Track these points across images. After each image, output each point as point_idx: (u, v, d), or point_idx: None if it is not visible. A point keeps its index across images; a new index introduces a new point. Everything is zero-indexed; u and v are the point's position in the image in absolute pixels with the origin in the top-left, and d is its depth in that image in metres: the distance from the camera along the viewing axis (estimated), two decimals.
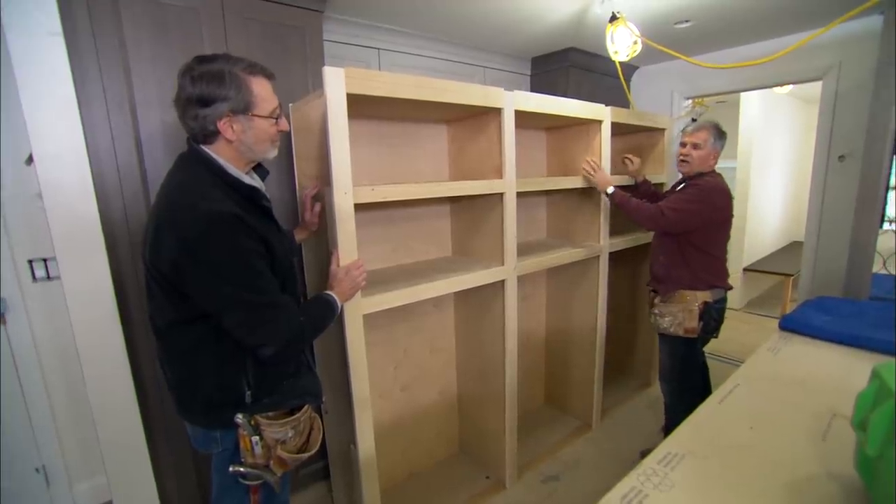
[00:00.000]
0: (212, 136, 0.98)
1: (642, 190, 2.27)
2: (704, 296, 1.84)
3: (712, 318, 1.86)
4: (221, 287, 0.92)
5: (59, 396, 1.75)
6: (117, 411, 1.46)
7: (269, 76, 1.02)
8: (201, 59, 0.96)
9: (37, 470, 1.73)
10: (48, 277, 1.69)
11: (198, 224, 0.89)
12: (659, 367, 2.08)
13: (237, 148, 1.00)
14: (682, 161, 1.88)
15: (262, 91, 1.00)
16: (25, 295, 1.66)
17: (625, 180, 2.29)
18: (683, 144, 1.87)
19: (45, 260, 1.67)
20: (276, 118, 1.03)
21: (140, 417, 1.50)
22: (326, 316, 1.14)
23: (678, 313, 1.87)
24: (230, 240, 0.91)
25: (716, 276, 1.86)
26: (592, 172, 2.01)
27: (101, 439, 1.44)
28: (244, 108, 0.97)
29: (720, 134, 1.85)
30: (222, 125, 0.96)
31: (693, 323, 1.84)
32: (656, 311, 1.94)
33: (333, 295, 1.17)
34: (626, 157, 2.29)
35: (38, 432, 1.71)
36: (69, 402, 1.76)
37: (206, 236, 0.89)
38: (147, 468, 1.53)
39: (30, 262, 1.66)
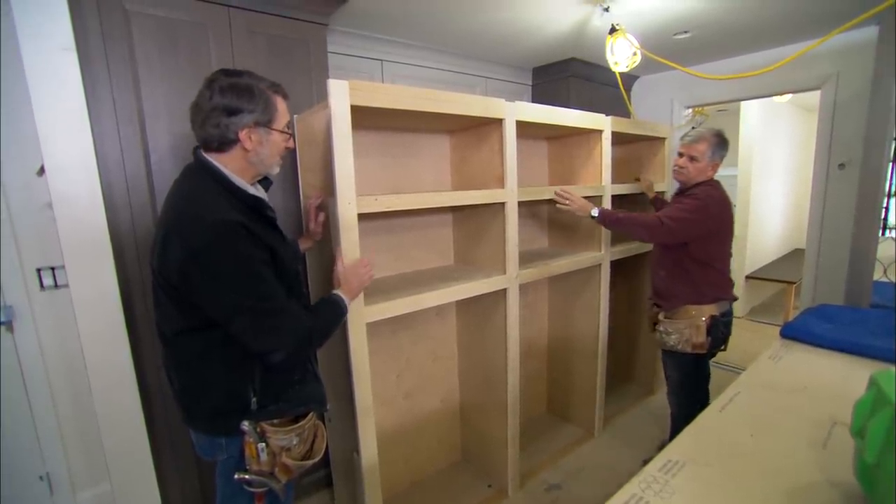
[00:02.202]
0: (228, 144, 1.01)
1: (658, 207, 2.23)
2: (710, 309, 1.78)
3: (720, 331, 1.81)
4: (227, 294, 0.93)
5: (65, 404, 1.76)
6: (122, 419, 1.47)
7: (286, 97, 1.08)
8: (228, 73, 1.01)
9: (40, 478, 1.73)
10: (56, 286, 1.71)
11: (204, 233, 0.91)
12: (666, 382, 2.04)
13: (249, 159, 1.03)
14: (678, 172, 1.84)
15: (282, 108, 1.06)
16: (33, 303, 1.68)
17: (628, 188, 2.31)
18: (680, 154, 1.82)
19: (52, 268, 1.70)
20: (289, 134, 1.09)
21: (145, 426, 1.51)
22: (335, 315, 1.15)
23: (684, 329, 1.80)
24: (235, 248, 0.93)
25: (720, 289, 1.81)
26: (567, 202, 1.89)
27: (105, 447, 1.45)
28: (267, 122, 1.02)
29: (721, 144, 1.78)
30: (243, 135, 1.00)
31: (701, 338, 1.78)
32: (661, 327, 1.87)
33: (340, 294, 1.19)
34: (639, 178, 2.36)
35: (43, 439, 1.72)
36: (74, 410, 1.77)
37: (212, 245, 0.91)
38: (151, 476, 1.54)
39: (38, 270, 1.68)
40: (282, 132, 1.06)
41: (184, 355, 1.03)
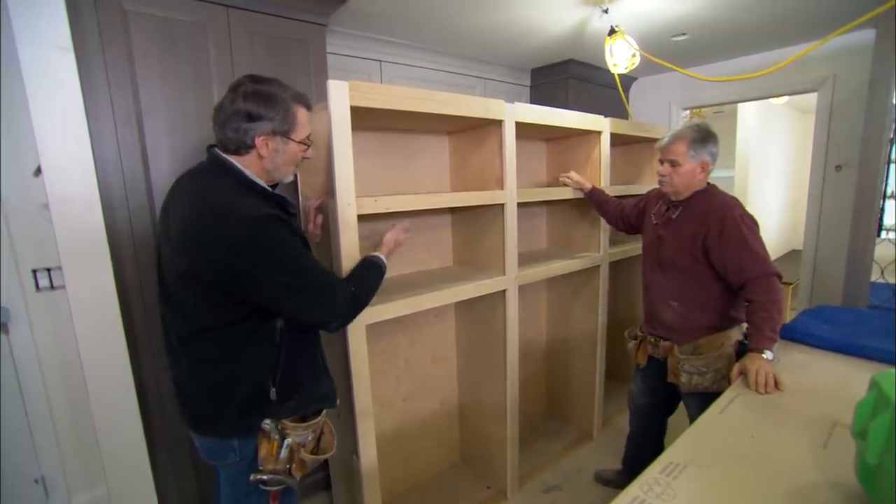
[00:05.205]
0: (245, 149, 1.02)
1: (596, 199, 2.02)
2: (736, 334, 1.53)
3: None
4: (280, 278, 0.96)
5: (61, 406, 1.74)
6: (119, 422, 1.45)
7: (309, 107, 1.10)
8: (255, 79, 1.02)
9: (36, 481, 1.71)
10: (52, 287, 1.69)
11: (246, 225, 0.93)
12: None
13: (264, 165, 1.05)
14: (661, 182, 1.57)
15: (303, 119, 1.07)
16: (29, 304, 1.66)
17: (625, 190, 2.31)
18: (661, 162, 1.56)
19: (48, 270, 1.68)
20: (308, 145, 1.10)
21: (142, 428, 1.49)
22: (371, 272, 1.20)
23: (717, 361, 1.50)
24: (279, 234, 0.97)
25: (738, 308, 1.51)
26: (768, 390, 1.23)
27: (102, 450, 1.43)
28: (284, 131, 1.03)
29: (703, 138, 1.48)
30: (259, 141, 1.01)
31: (731, 369, 1.42)
32: (688, 367, 1.54)
33: (377, 254, 1.25)
34: (563, 177, 2.07)
35: (39, 442, 1.70)
36: (70, 412, 1.76)
37: (256, 234, 0.93)
38: (148, 480, 1.52)
39: (34, 271, 1.66)
40: (299, 143, 1.07)
41: (206, 356, 1.01)
